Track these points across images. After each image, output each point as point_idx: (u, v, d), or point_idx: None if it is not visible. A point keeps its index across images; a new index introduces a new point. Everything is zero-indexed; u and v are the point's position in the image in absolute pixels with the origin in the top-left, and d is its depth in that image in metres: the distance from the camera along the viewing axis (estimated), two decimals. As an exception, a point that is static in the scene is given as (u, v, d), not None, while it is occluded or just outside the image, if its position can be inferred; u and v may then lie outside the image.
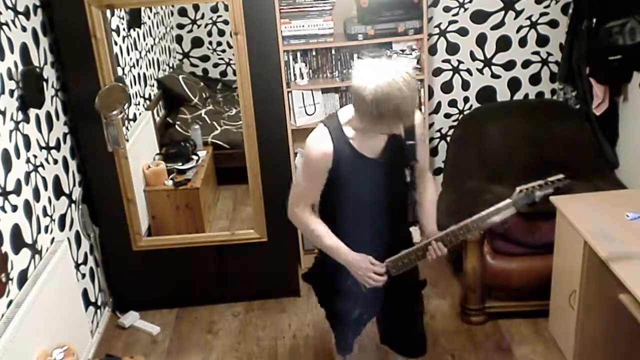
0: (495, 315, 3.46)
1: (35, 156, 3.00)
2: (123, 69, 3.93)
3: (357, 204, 2.27)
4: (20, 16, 2.94)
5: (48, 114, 3.19)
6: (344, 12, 3.72)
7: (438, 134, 4.16)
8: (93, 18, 3.17)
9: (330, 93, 3.77)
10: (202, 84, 5.18)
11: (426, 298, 3.68)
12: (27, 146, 2.93)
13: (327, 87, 3.74)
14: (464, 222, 2.24)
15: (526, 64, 4.01)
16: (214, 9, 5.19)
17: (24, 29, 2.98)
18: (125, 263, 3.68)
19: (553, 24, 3.91)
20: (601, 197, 3.06)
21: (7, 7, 2.81)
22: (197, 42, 5.31)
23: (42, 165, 3.07)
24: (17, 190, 2.79)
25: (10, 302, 2.64)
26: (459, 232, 2.24)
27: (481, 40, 3.95)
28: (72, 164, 3.46)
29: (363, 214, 2.28)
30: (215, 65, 5.35)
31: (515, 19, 3.89)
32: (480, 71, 4.02)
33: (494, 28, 3.92)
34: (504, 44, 3.96)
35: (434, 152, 4.18)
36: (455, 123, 4.09)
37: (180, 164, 4.21)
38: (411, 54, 3.70)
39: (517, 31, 3.93)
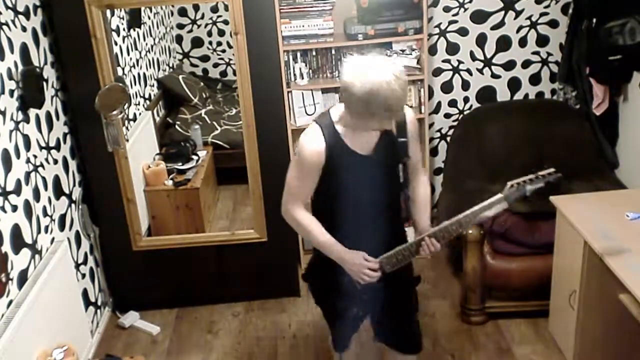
0: (495, 315, 3.46)
1: (35, 156, 3.00)
2: (123, 69, 3.93)
3: (351, 201, 2.28)
4: (20, 16, 2.94)
5: (48, 114, 3.19)
6: (344, 12, 3.72)
7: (438, 134, 4.16)
8: (93, 18, 3.17)
9: (330, 93, 3.77)
10: (202, 84, 5.18)
11: (426, 298, 3.71)
12: (27, 146, 2.93)
13: (327, 87, 3.74)
14: (457, 217, 2.25)
15: (526, 64, 4.01)
16: (214, 9, 5.19)
17: (24, 29, 2.98)
18: (125, 263, 3.68)
19: (553, 24, 3.91)
20: (601, 197, 3.06)
21: (7, 7, 2.81)
22: (197, 42, 5.31)
23: (42, 165, 3.07)
24: (17, 190, 2.79)
25: (10, 302, 2.64)
26: (452, 228, 2.26)
27: (481, 40, 3.95)
28: (72, 164, 3.47)
29: (356, 210, 2.30)
30: (215, 65, 5.35)
31: (515, 19, 3.89)
32: (480, 71, 4.02)
33: (494, 28, 3.92)
34: (504, 44, 3.96)
35: (434, 152, 4.19)
36: (455, 123, 4.10)
37: (180, 164, 4.21)
38: (411, 54, 3.70)
39: (517, 31, 3.93)
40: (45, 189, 3.09)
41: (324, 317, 2.63)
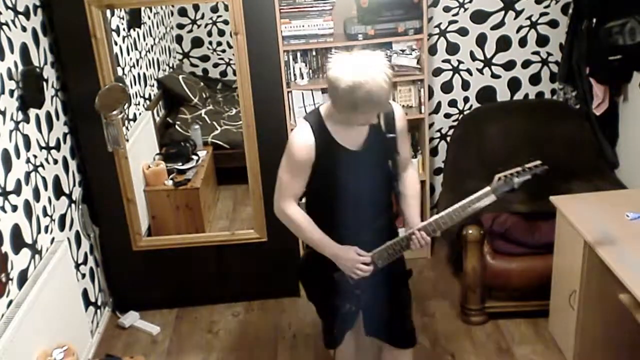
0: (495, 315, 3.47)
1: (35, 156, 3.00)
2: (123, 69, 3.93)
3: (342, 196, 2.31)
4: (20, 16, 2.94)
5: (48, 114, 3.19)
6: (344, 12, 3.72)
7: (438, 134, 4.16)
8: (93, 18, 3.17)
9: (330, 93, 3.77)
10: (202, 84, 5.18)
11: (426, 298, 3.71)
12: (27, 146, 2.93)
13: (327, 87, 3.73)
14: (446, 211, 2.28)
15: (526, 64, 4.00)
16: (214, 9, 5.19)
17: (24, 29, 2.98)
18: (125, 263, 3.68)
19: (553, 24, 3.91)
20: (601, 197, 3.06)
21: (7, 7, 2.81)
22: (197, 42, 5.31)
23: (42, 165, 3.07)
24: (17, 190, 2.79)
25: (10, 302, 2.64)
26: (442, 221, 2.28)
27: (481, 40, 3.94)
28: (72, 164, 3.47)
29: (348, 206, 2.32)
30: (215, 65, 5.35)
31: (515, 19, 3.89)
32: (480, 71, 4.02)
33: (494, 28, 3.92)
34: (504, 44, 3.96)
35: (434, 152, 4.18)
36: (455, 123, 4.09)
37: (180, 164, 4.21)
38: (411, 54, 3.70)
39: (517, 31, 3.93)
40: (45, 189, 3.09)
41: (317, 313, 2.64)
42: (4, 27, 2.77)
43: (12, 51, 2.82)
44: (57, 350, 2.72)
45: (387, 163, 2.33)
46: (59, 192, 3.26)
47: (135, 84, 4.19)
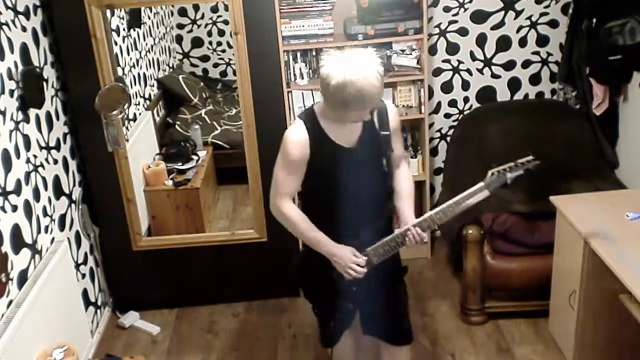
0: (495, 315, 3.47)
1: (35, 156, 3.00)
2: (123, 69, 3.93)
3: (337, 193, 2.32)
4: (20, 16, 2.94)
5: (48, 114, 3.19)
6: (344, 12, 3.72)
7: (438, 134, 4.16)
8: (93, 18, 3.17)
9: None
10: (202, 84, 5.18)
11: (426, 298, 3.71)
12: (27, 146, 2.93)
13: (327, 87, 3.73)
14: (441, 206, 2.31)
15: (526, 64, 4.00)
16: (214, 9, 5.19)
17: (24, 29, 2.98)
18: (125, 263, 3.68)
19: (553, 24, 3.91)
20: (601, 197, 3.06)
21: (7, 7, 2.82)
22: (197, 42, 5.31)
23: (42, 165, 3.07)
24: (17, 190, 2.79)
25: (10, 302, 2.64)
26: (436, 217, 2.31)
27: (481, 40, 3.94)
28: (72, 164, 3.47)
29: (343, 203, 2.33)
30: (215, 65, 5.35)
31: (515, 19, 3.89)
32: (480, 71, 4.02)
33: (494, 28, 3.92)
34: (504, 44, 3.95)
35: (434, 152, 4.18)
36: (455, 123, 4.09)
37: (180, 164, 4.21)
38: (411, 54, 3.70)
39: (517, 31, 3.93)
40: (45, 189, 3.09)
41: (314, 312, 2.65)
42: (4, 27, 2.77)
43: (12, 51, 2.82)
44: (57, 350, 2.72)
45: (381, 160, 2.35)
46: (59, 192, 3.26)
47: (135, 84, 4.19)
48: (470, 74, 4.02)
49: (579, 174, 3.51)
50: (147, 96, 4.46)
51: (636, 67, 3.30)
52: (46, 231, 3.05)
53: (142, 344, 3.54)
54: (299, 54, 3.66)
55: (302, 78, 3.70)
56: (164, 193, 4.02)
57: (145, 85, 4.45)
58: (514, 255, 3.31)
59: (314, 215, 2.36)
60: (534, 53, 3.98)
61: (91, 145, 3.41)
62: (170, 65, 5.16)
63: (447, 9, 3.86)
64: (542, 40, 3.95)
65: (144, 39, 4.48)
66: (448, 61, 3.99)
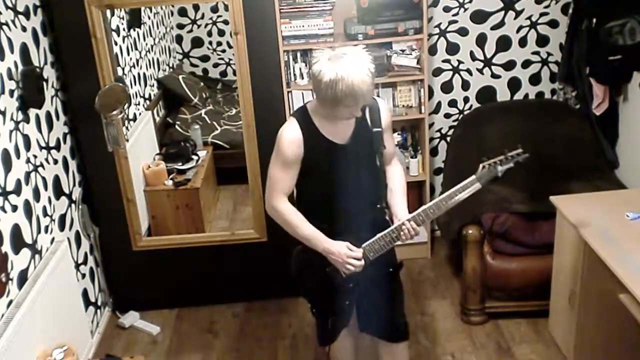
0: (495, 315, 3.47)
1: (35, 156, 3.00)
2: (123, 69, 3.93)
3: (331, 191, 2.35)
4: (20, 16, 2.94)
5: (48, 114, 3.19)
6: (344, 12, 3.72)
7: (438, 134, 4.16)
8: (93, 18, 3.17)
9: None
10: (202, 84, 5.18)
11: (426, 298, 3.71)
12: (27, 146, 2.93)
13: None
14: (434, 201, 2.34)
15: (526, 64, 4.00)
16: (214, 9, 5.19)
17: (24, 29, 2.98)
18: (125, 263, 3.68)
19: (553, 24, 3.91)
20: (601, 197, 3.06)
21: (7, 7, 2.81)
22: (197, 42, 5.31)
23: (42, 165, 3.07)
24: (17, 190, 2.79)
25: (10, 302, 2.64)
26: (430, 211, 2.33)
27: (481, 40, 3.94)
28: (72, 164, 3.47)
29: (338, 199, 2.36)
30: (215, 65, 5.35)
31: (515, 19, 3.89)
32: (480, 71, 4.02)
33: (494, 28, 3.92)
34: (504, 44, 3.95)
35: (434, 152, 4.18)
36: (455, 123, 4.09)
37: (180, 164, 4.21)
38: (411, 54, 3.70)
39: (517, 31, 3.93)
40: (45, 189, 3.09)
41: (311, 311, 2.65)
42: (4, 27, 2.77)
43: (12, 51, 2.82)
44: (57, 350, 2.72)
45: (374, 156, 2.38)
46: (59, 192, 3.26)
47: (135, 84, 4.19)
48: (470, 74, 4.02)
49: (579, 174, 3.51)
50: (147, 96, 4.46)
51: (636, 67, 3.30)
52: (46, 231, 3.05)
53: (142, 344, 3.54)
54: (299, 54, 3.66)
55: (302, 78, 3.71)
56: (164, 193, 4.02)
57: (145, 85, 4.45)
58: (514, 255, 3.31)
59: (308, 212, 2.38)
60: (534, 53, 3.98)
61: (91, 145, 3.41)
62: (170, 65, 5.16)
63: (447, 9, 3.86)
64: (542, 40, 3.95)
65: (144, 39, 4.48)
66: (448, 61, 3.99)
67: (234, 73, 3.50)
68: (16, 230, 2.74)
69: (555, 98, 4.07)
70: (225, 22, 4.99)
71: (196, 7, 5.18)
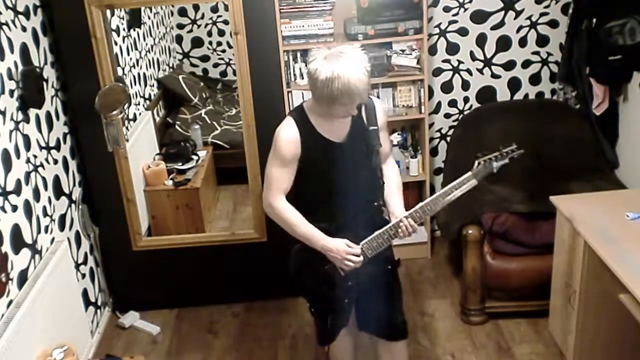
0: (495, 315, 3.47)
1: (35, 156, 3.00)
2: (123, 69, 3.94)
3: (329, 189, 2.37)
4: (20, 16, 2.94)
5: (48, 114, 3.19)
6: (344, 12, 3.72)
7: (438, 134, 4.16)
8: (93, 18, 3.17)
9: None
10: (202, 84, 5.18)
11: (426, 298, 3.71)
12: (27, 146, 2.93)
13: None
14: (430, 197, 2.36)
15: (526, 64, 4.00)
16: (214, 9, 5.19)
17: (24, 29, 2.98)
18: (125, 263, 3.68)
19: (553, 24, 3.91)
20: (601, 197, 3.06)
21: (7, 7, 2.81)
22: (197, 42, 5.31)
23: (42, 165, 3.07)
24: (17, 190, 2.79)
25: (10, 302, 2.64)
26: (427, 208, 2.35)
27: (481, 40, 3.94)
28: (72, 164, 3.47)
29: (335, 197, 2.37)
30: (215, 65, 5.35)
31: (515, 19, 3.89)
32: (480, 71, 4.02)
33: (494, 28, 3.92)
34: (504, 44, 3.95)
35: (434, 152, 4.18)
36: (455, 123, 4.09)
37: (180, 164, 4.21)
38: (411, 54, 3.70)
39: (517, 31, 3.92)
40: (45, 189, 3.09)
41: (309, 311, 2.65)
42: (4, 27, 2.77)
43: (12, 51, 2.82)
44: (57, 350, 2.72)
45: (371, 155, 2.39)
46: (59, 192, 3.26)
47: (135, 84, 4.19)
48: (470, 74, 4.02)
49: (579, 174, 3.51)
50: (147, 96, 4.46)
51: (636, 67, 3.30)
52: (46, 231, 3.05)
53: (142, 344, 3.54)
54: (299, 54, 3.66)
55: (302, 78, 3.70)
56: (164, 193, 4.02)
57: (145, 85, 4.45)
58: (514, 255, 3.31)
59: (306, 211, 2.39)
60: (534, 53, 3.98)
61: (91, 145, 3.41)
62: (170, 65, 5.16)
63: (447, 9, 3.86)
64: (542, 40, 3.95)
65: (144, 39, 4.48)
66: (448, 61, 3.99)
67: (234, 73, 3.50)
68: (16, 230, 2.74)
69: (555, 98, 4.07)
70: (225, 22, 4.99)
71: (196, 7, 5.18)
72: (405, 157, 3.97)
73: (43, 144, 3.10)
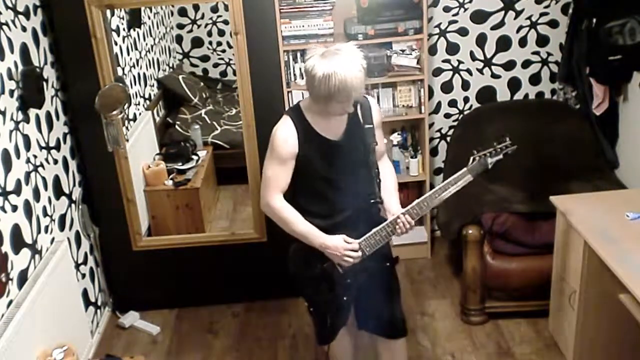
0: (495, 315, 3.46)
1: (35, 156, 3.00)
2: (123, 69, 3.93)
3: (326, 186, 2.38)
4: (20, 16, 2.94)
5: (48, 114, 3.19)
6: (344, 12, 3.72)
7: (438, 134, 4.16)
8: (93, 18, 3.17)
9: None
10: (202, 84, 5.18)
11: (426, 298, 3.71)
12: (27, 146, 2.93)
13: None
14: (427, 194, 2.38)
15: (526, 64, 4.00)
16: (214, 9, 5.19)
17: (24, 29, 2.98)
18: (125, 263, 3.68)
19: (553, 24, 3.91)
20: (601, 197, 3.06)
21: (7, 7, 2.81)
22: (197, 42, 5.31)
23: (42, 165, 3.07)
24: (17, 190, 2.79)
25: (10, 302, 2.64)
26: (424, 204, 2.38)
27: (481, 40, 3.94)
28: (72, 164, 3.47)
29: (333, 195, 2.39)
30: (215, 65, 5.35)
31: (515, 19, 3.89)
32: (480, 71, 4.02)
33: (494, 28, 3.92)
34: (504, 44, 3.95)
35: (434, 152, 4.18)
36: (455, 123, 4.09)
37: (180, 164, 4.21)
38: (411, 54, 3.70)
39: (517, 31, 3.92)
40: (45, 189, 3.09)
41: (309, 310, 2.65)
42: (4, 27, 2.77)
43: (12, 51, 2.82)
44: (57, 350, 2.72)
45: (367, 152, 2.41)
46: (59, 192, 3.26)
47: (135, 84, 4.19)
48: (470, 74, 4.02)
49: (579, 174, 3.51)
50: (147, 96, 4.46)
51: (636, 67, 3.30)
52: (46, 231, 3.05)
53: (142, 344, 3.54)
54: (299, 54, 3.66)
55: (302, 78, 3.70)
56: (164, 193, 4.02)
57: (145, 85, 4.45)
58: (514, 255, 3.31)
59: (304, 209, 2.40)
60: (534, 53, 3.98)
61: (91, 145, 3.41)
62: (170, 65, 5.16)
63: (447, 9, 3.86)
64: (542, 40, 3.95)
65: (144, 39, 4.48)
66: (448, 61, 3.99)
67: (234, 73, 3.50)
68: (16, 230, 2.74)
69: (555, 98, 4.07)
70: (225, 22, 4.99)
71: (196, 7, 5.18)
72: (405, 157, 3.97)
73: (43, 144, 3.10)
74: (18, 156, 2.82)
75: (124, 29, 4.04)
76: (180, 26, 5.28)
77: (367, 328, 2.66)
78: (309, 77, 2.22)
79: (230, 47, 5.06)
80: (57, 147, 3.28)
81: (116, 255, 3.68)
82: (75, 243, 3.42)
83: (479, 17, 3.89)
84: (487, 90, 4.07)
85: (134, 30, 4.26)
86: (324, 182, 2.38)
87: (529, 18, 3.89)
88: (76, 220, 3.47)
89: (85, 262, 3.54)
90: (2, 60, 2.73)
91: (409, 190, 3.97)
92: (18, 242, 2.75)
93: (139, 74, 4.29)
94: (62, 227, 3.26)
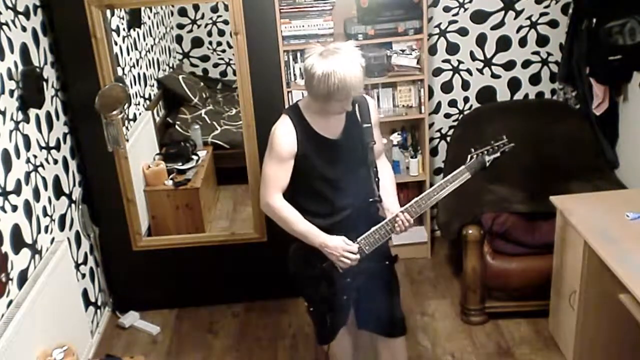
0: (495, 315, 3.46)
1: (35, 156, 3.00)
2: (123, 69, 3.93)
3: (326, 185, 2.39)
4: (20, 16, 2.94)
5: (48, 114, 3.19)
6: (344, 12, 3.72)
7: (438, 134, 4.16)
8: (93, 18, 3.17)
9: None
10: (202, 84, 5.18)
11: (426, 298, 3.71)
12: (27, 146, 2.93)
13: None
14: (425, 192, 2.39)
15: (526, 64, 4.00)
16: (214, 9, 5.19)
17: (24, 29, 2.98)
18: (125, 263, 3.68)
19: (553, 24, 3.91)
20: (601, 197, 3.06)
21: (7, 7, 2.81)
22: (197, 42, 5.31)
23: (42, 165, 3.07)
24: (17, 190, 2.79)
25: (10, 302, 2.64)
26: (422, 202, 2.39)
27: (481, 40, 3.94)
28: (72, 164, 3.47)
29: (332, 194, 2.40)
30: (215, 65, 5.35)
31: (515, 19, 3.89)
32: (480, 71, 4.02)
33: (494, 28, 3.92)
34: (504, 44, 3.95)
35: (434, 152, 4.18)
36: (455, 123, 4.09)
37: (180, 164, 4.21)
38: (411, 54, 3.70)
39: (517, 31, 3.92)
40: (45, 189, 3.09)
41: (308, 310, 2.65)
42: (4, 27, 2.77)
43: (12, 51, 2.82)
44: (57, 350, 2.72)
45: (366, 151, 2.42)
46: (59, 192, 3.26)
47: (135, 84, 4.19)
48: (470, 74, 4.02)
49: (579, 174, 3.51)
50: (147, 96, 4.46)
51: (636, 67, 3.30)
52: (46, 231, 3.05)
53: (142, 344, 3.54)
54: (299, 54, 3.66)
55: (302, 78, 3.70)
56: (164, 193, 4.02)
57: (145, 85, 4.45)
58: (514, 255, 3.31)
59: (303, 208, 2.40)
60: (534, 53, 3.98)
61: (91, 145, 3.41)
62: (170, 65, 5.16)
63: (447, 9, 3.86)
64: (542, 40, 3.95)
65: (144, 39, 4.48)
66: (448, 61, 3.99)
67: (234, 73, 3.50)
68: (16, 230, 2.74)
69: (555, 98, 4.07)
70: (225, 22, 4.99)
71: (196, 7, 5.18)
72: (405, 157, 3.97)
73: (43, 144, 3.10)
74: (18, 156, 2.82)
75: (124, 29, 4.04)
76: (180, 26, 5.28)
77: (367, 327, 2.66)
78: (308, 76, 2.23)
79: (230, 47, 5.06)
80: (57, 147, 3.28)
81: (116, 255, 3.68)
82: (75, 243, 3.42)
83: (479, 17, 3.89)
84: (487, 90, 4.07)
85: (134, 30, 4.26)
86: (323, 181, 2.39)
87: (529, 18, 3.89)
88: (76, 220, 3.47)
89: (85, 262, 3.54)
90: (2, 60, 2.73)
91: (409, 190, 3.96)
92: (18, 242, 2.75)
93: (139, 74, 4.29)
94: (62, 227, 3.26)
